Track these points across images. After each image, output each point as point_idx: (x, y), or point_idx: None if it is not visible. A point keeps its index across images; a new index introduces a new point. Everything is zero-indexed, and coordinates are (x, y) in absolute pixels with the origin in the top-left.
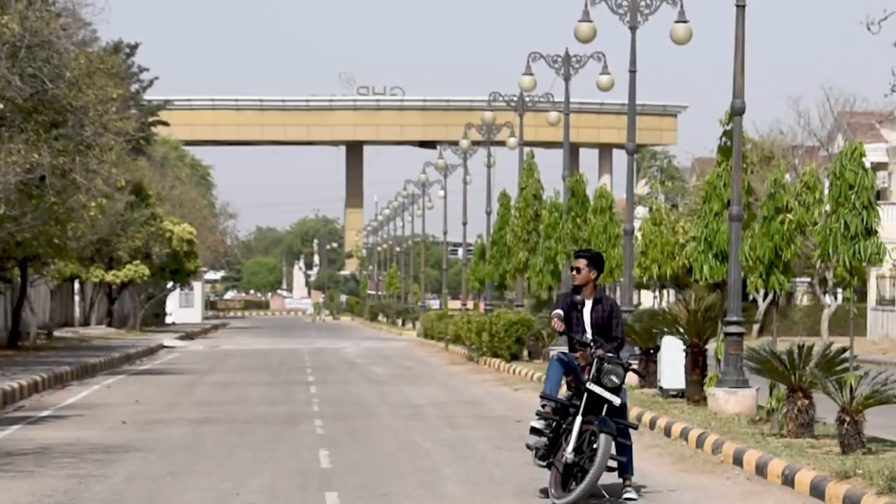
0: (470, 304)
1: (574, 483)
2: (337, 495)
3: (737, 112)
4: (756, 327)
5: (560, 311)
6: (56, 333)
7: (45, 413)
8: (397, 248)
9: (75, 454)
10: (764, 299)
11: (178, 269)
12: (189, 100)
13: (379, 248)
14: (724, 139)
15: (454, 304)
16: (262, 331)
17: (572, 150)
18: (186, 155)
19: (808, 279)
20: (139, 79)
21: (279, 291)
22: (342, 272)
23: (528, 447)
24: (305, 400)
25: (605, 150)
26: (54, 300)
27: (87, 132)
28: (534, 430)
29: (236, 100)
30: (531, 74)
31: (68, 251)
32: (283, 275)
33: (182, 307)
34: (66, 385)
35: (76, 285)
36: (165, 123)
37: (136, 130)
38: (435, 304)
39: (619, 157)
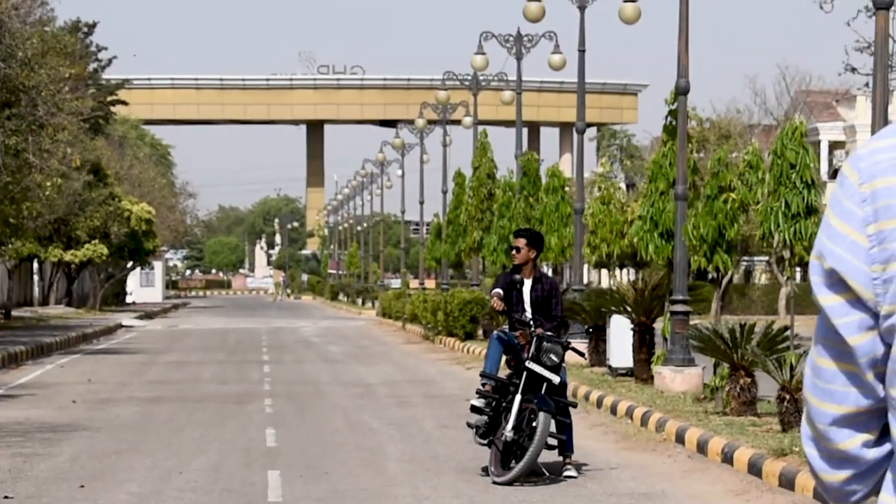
0: (429, 284)
1: (514, 461)
2: (279, 473)
3: (681, 91)
4: (716, 307)
5: (500, 291)
6: (14, 313)
7: None
8: (358, 228)
9: (23, 433)
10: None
11: (137, 249)
12: (149, 79)
13: (340, 228)
14: (669, 118)
15: (417, 284)
16: (222, 310)
17: (533, 129)
18: (146, 134)
19: (767, 258)
20: (97, 58)
21: (241, 271)
22: (303, 251)
23: (469, 425)
24: (258, 379)
25: (565, 129)
26: (12, 280)
27: (39, 112)
28: (474, 409)
29: (196, 79)
30: (483, 54)
31: (25, 230)
32: (246, 254)
33: (143, 287)
34: (20, 365)
35: (35, 265)
36: (124, 103)
37: (93, 109)
38: (397, 283)
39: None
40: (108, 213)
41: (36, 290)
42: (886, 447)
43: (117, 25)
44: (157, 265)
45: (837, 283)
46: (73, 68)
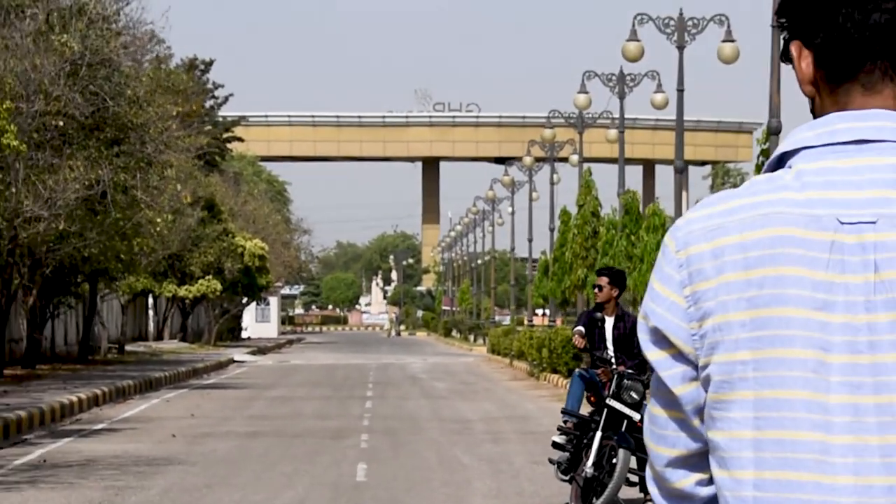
0: (538, 321)
1: (594, 498)
2: None
3: (773, 132)
4: None
5: (581, 328)
6: (128, 348)
7: (99, 426)
8: (472, 264)
9: (119, 466)
10: None
11: (250, 285)
12: (266, 116)
13: (454, 264)
14: (761, 158)
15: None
16: (336, 346)
17: (648, 167)
18: (263, 171)
19: None
20: (214, 95)
21: (357, 307)
22: (418, 288)
23: (551, 461)
24: (358, 415)
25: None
26: (126, 315)
27: (148, 149)
28: (555, 445)
29: (313, 116)
30: (586, 93)
31: (137, 266)
32: (362, 290)
33: (258, 322)
34: (127, 399)
35: (150, 300)
36: (240, 139)
37: (209, 146)
38: (508, 319)
39: (696, 173)
40: (222, 249)
41: (151, 325)
42: None
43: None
44: (273, 301)
45: (661, 339)
46: (183, 106)
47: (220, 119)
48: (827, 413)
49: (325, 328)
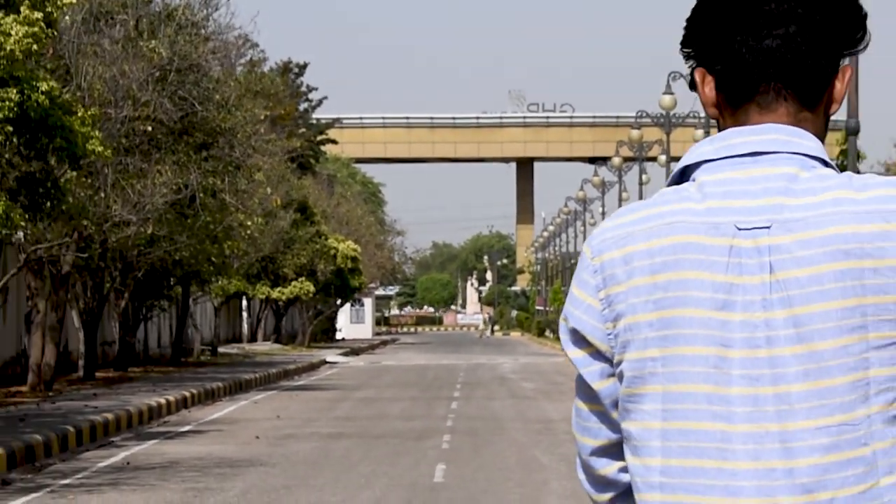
0: None
1: None
2: None
3: (851, 132)
4: None
5: None
6: (221, 350)
7: (185, 428)
8: (567, 264)
9: (201, 468)
10: None
11: (343, 286)
12: (360, 118)
13: (549, 264)
14: (840, 159)
15: None
16: (429, 346)
17: None
18: (357, 173)
19: None
20: (308, 98)
21: (452, 307)
22: (513, 288)
23: None
24: (443, 415)
25: None
26: (219, 317)
27: (236, 153)
28: None
29: (407, 118)
30: (671, 94)
31: (229, 269)
32: (458, 290)
33: (353, 323)
34: (216, 401)
35: (243, 302)
36: (333, 141)
37: (302, 148)
38: None
39: None
40: (315, 251)
41: (245, 326)
42: None
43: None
44: (367, 302)
45: (580, 339)
46: (272, 109)
47: (314, 122)
48: (728, 404)
49: (419, 329)
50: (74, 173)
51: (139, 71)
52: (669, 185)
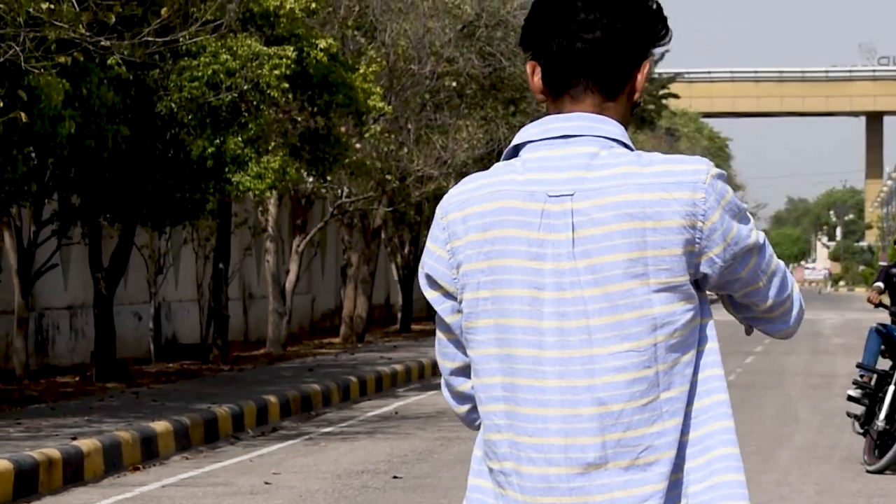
0: None
1: (885, 451)
2: None
3: None
4: None
5: (880, 285)
6: None
7: None
8: None
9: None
10: None
11: None
12: (709, 72)
13: (893, 219)
14: None
15: None
16: None
17: None
18: (705, 127)
19: None
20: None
21: (802, 263)
22: (860, 243)
23: (849, 415)
24: (730, 370)
25: None
26: None
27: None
28: (850, 398)
29: (755, 72)
30: None
31: None
32: (810, 246)
33: None
34: None
35: None
36: (675, 96)
37: (645, 103)
38: None
39: None
40: None
41: None
42: None
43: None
44: None
45: (433, 283)
46: None
47: (657, 76)
48: (540, 335)
49: None
50: (378, 128)
51: (445, 27)
52: (503, 159)
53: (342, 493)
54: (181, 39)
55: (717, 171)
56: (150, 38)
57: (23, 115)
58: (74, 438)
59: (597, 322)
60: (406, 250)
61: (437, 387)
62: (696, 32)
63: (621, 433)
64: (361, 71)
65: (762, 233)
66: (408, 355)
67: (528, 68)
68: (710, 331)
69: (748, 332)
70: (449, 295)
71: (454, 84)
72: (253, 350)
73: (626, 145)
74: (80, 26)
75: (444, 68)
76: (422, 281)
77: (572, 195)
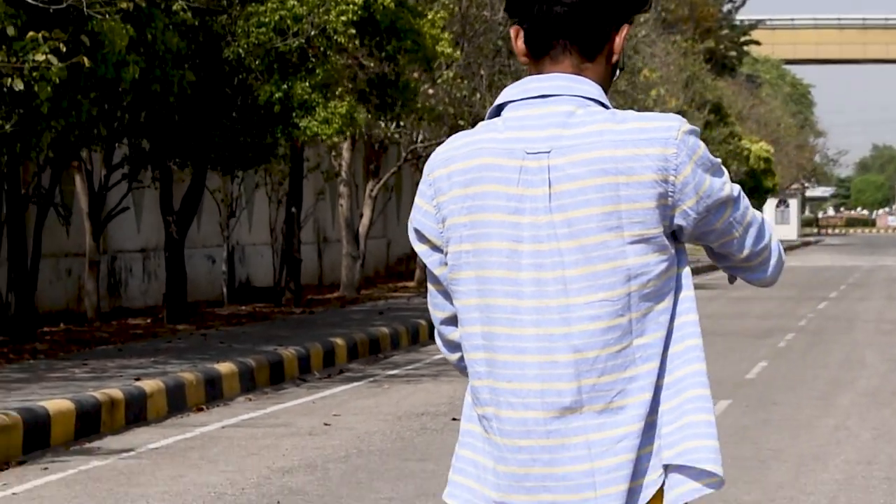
0: None
1: None
2: (729, 403)
3: None
4: None
5: None
6: None
7: None
8: None
9: None
10: None
11: (755, 187)
12: (792, 19)
13: None
14: None
15: None
16: (847, 248)
17: None
18: (787, 74)
19: None
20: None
21: (885, 210)
22: None
23: None
24: (801, 315)
25: None
26: None
27: (634, 59)
28: None
29: (839, 18)
30: None
31: None
32: (894, 193)
33: (778, 224)
34: None
35: None
36: (756, 42)
37: (726, 49)
38: None
39: None
40: (728, 152)
41: None
42: None
43: None
44: (793, 203)
45: (421, 237)
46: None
47: (738, 23)
48: (518, 285)
49: (849, 231)
50: (451, 74)
51: None
52: (488, 118)
53: (400, 434)
54: None
55: (690, 127)
56: None
57: (86, 59)
58: (138, 379)
59: (572, 273)
60: None
61: None
62: None
63: (596, 378)
64: (430, 17)
65: (737, 185)
66: None
67: (512, 33)
68: (686, 279)
69: (731, 280)
70: (436, 248)
71: None
72: (327, 294)
73: (602, 104)
74: None
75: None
76: (411, 235)
77: (549, 152)
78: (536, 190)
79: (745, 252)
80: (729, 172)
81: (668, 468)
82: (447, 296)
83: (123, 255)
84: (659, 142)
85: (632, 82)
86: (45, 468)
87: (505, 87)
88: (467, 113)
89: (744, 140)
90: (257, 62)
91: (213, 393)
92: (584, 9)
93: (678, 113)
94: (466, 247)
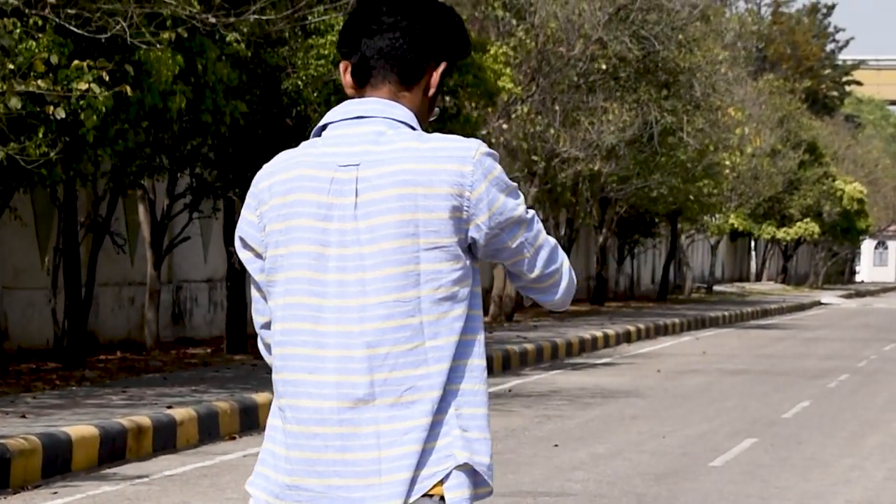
0: None
1: None
2: (754, 442)
3: None
4: None
5: None
6: (719, 288)
7: (603, 360)
8: None
9: (574, 398)
10: None
11: (848, 228)
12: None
13: None
14: None
15: None
16: None
17: None
18: (891, 115)
19: None
20: (835, 39)
21: None
22: None
23: None
24: (863, 357)
25: None
26: (716, 255)
27: (696, 92)
28: None
29: None
30: None
31: (716, 207)
32: None
33: (875, 266)
34: (663, 336)
35: (751, 242)
36: (858, 83)
37: (827, 90)
38: None
39: None
40: (821, 192)
41: (752, 266)
42: None
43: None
44: (892, 245)
45: (245, 245)
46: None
47: (840, 63)
48: (324, 286)
49: None
50: (525, 109)
51: (596, 10)
52: (312, 137)
53: None
54: (308, 18)
55: (487, 150)
56: (272, 17)
57: (128, 88)
58: (170, 407)
59: (371, 275)
60: (562, 231)
61: (563, 366)
62: (887, 18)
63: (387, 373)
64: (492, 52)
65: (532, 210)
66: (545, 335)
67: (342, 68)
68: (477, 299)
69: (524, 301)
70: (258, 255)
71: (604, 67)
72: None
73: (412, 127)
74: (194, 2)
75: (595, 50)
76: (237, 243)
77: (358, 165)
78: (345, 199)
79: (536, 272)
80: (821, 213)
81: (451, 467)
82: (266, 303)
83: (189, 284)
84: (457, 159)
85: (711, 121)
86: (55, 492)
87: (579, 122)
88: (541, 148)
89: (838, 181)
90: (315, 94)
91: (249, 422)
92: (402, 43)
93: (771, 152)
94: (281, 251)
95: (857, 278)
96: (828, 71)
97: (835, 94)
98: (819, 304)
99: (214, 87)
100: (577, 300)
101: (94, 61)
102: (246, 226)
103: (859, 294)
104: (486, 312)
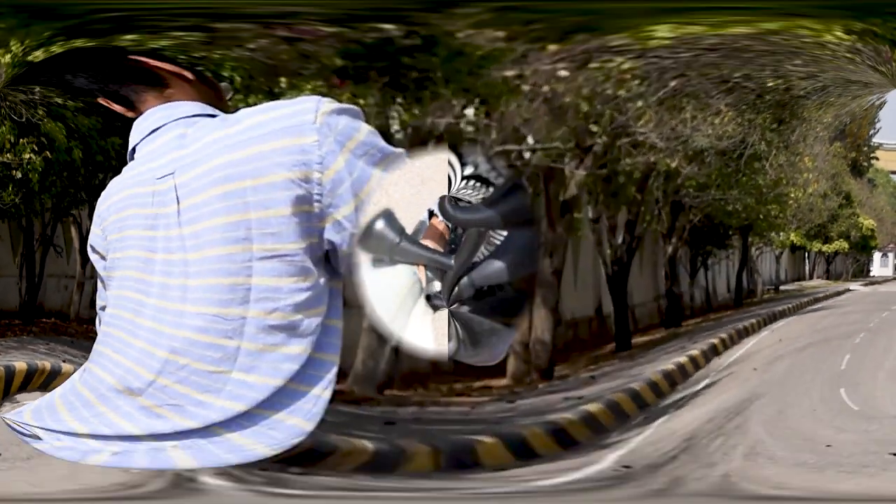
0: None
1: None
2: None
3: None
4: None
5: None
6: (784, 287)
7: (701, 385)
8: None
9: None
10: None
11: (865, 245)
12: None
13: None
14: None
15: None
16: None
17: None
18: (892, 181)
19: None
20: (874, 124)
21: None
22: None
23: None
24: (871, 321)
25: None
26: (779, 263)
27: (793, 136)
28: None
29: None
30: None
31: (780, 227)
32: None
33: (881, 267)
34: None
35: (805, 253)
36: (877, 158)
37: (859, 159)
38: None
39: None
40: (850, 224)
41: (806, 270)
42: None
43: None
44: (891, 255)
45: (94, 250)
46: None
47: (872, 143)
48: (148, 286)
49: None
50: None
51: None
52: (129, 160)
53: None
54: None
55: (336, 105)
56: None
57: (48, 153)
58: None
59: (194, 283)
60: (620, 238)
61: (658, 413)
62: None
63: (170, 382)
64: None
65: None
66: (612, 384)
67: (103, 102)
68: (333, 339)
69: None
70: (103, 258)
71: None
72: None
73: (209, 115)
74: None
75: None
76: (88, 250)
77: (173, 173)
78: (168, 208)
79: None
80: (850, 236)
81: None
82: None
83: None
84: (289, 131)
85: (791, 162)
86: None
87: (684, 108)
88: (608, 116)
89: (860, 217)
90: None
91: None
92: (109, 63)
93: (822, 194)
94: (118, 255)
95: (871, 274)
96: (865, 147)
97: (865, 164)
98: (848, 290)
99: (92, 135)
100: (647, 326)
101: (25, 139)
102: (93, 237)
103: (872, 283)
104: (502, 371)
